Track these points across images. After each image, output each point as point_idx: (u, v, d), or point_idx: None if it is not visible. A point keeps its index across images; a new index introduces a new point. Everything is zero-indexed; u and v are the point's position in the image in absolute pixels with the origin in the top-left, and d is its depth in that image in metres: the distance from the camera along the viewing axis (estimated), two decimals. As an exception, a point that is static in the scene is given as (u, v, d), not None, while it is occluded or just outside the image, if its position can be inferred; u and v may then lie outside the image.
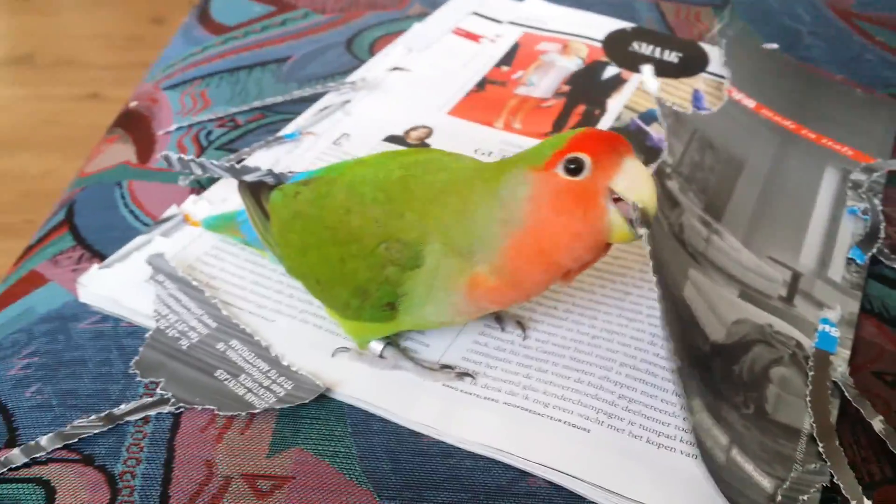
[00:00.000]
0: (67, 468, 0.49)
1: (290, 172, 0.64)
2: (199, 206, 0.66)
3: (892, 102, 0.85)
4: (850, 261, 0.65)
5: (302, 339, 0.56)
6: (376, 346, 0.55)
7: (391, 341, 0.55)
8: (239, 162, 0.69)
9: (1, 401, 0.54)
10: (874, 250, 0.66)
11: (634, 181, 0.46)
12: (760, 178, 0.72)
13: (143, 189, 0.71)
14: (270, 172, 0.65)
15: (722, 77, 0.85)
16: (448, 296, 0.50)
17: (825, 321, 0.59)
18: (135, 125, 0.82)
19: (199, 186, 0.70)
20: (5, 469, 0.49)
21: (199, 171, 0.67)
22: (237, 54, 0.90)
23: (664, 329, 0.48)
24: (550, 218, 0.47)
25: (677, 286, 0.56)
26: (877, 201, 0.71)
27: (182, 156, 0.66)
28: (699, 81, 0.85)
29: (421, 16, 0.96)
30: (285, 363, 0.54)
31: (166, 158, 0.68)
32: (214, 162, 0.65)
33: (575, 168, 0.46)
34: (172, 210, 0.65)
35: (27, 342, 0.57)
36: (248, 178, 0.61)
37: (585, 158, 0.46)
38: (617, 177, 0.46)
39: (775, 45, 0.94)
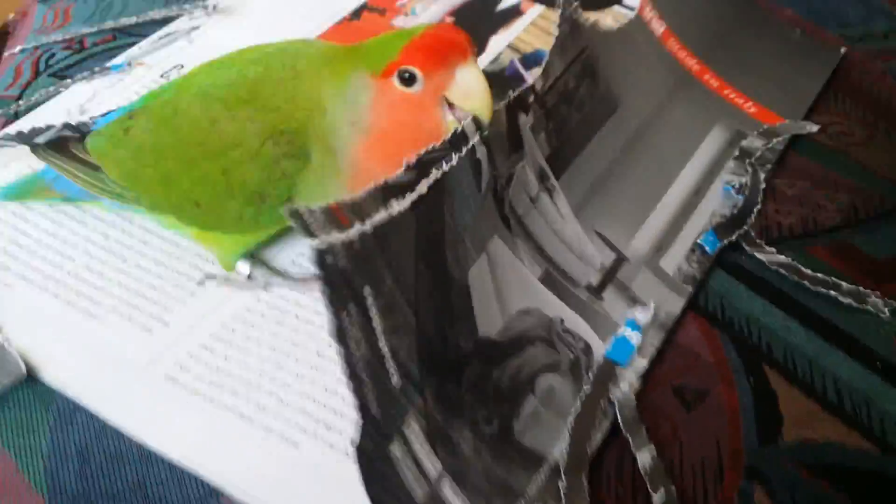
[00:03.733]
0: None
1: (91, 119, 0.58)
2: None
3: (833, 49, 0.73)
4: (696, 247, 0.57)
5: (36, 308, 0.52)
6: (243, 267, 0.53)
7: (256, 260, 0.54)
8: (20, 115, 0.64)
9: None
10: (734, 236, 0.58)
11: (467, 91, 0.48)
12: (631, 127, 0.63)
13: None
14: (66, 126, 0.58)
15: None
16: (336, 186, 0.49)
17: (630, 323, 0.52)
18: (-2, 42, 0.77)
19: (14, 117, 0.65)
20: None
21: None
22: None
23: (389, 335, 0.42)
24: (391, 125, 0.48)
25: (462, 264, 0.49)
26: (763, 175, 0.62)
27: None
28: (608, 16, 0.75)
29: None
30: (1, 337, 0.49)
31: None
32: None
33: (409, 79, 0.47)
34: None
35: None
36: (41, 138, 0.55)
37: (416, 72, 0.47)
38: (450, 87, 0.48)
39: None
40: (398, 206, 0.44)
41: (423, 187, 0.45)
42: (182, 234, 0.54)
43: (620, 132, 0.62)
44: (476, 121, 0.49)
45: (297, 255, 0.55)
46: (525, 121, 0.56)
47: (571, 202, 0.57)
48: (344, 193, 0.47)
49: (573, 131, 0.60)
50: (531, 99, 0.57)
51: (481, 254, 0.50)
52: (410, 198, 0.45)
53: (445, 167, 0.47)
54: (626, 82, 0.65)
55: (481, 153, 0.50)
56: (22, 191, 0.58)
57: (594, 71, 0.63)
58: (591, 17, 0.71)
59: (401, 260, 0.44)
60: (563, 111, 0.60)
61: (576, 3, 0.63)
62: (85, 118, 0.60)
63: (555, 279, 0.53)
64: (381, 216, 0.42)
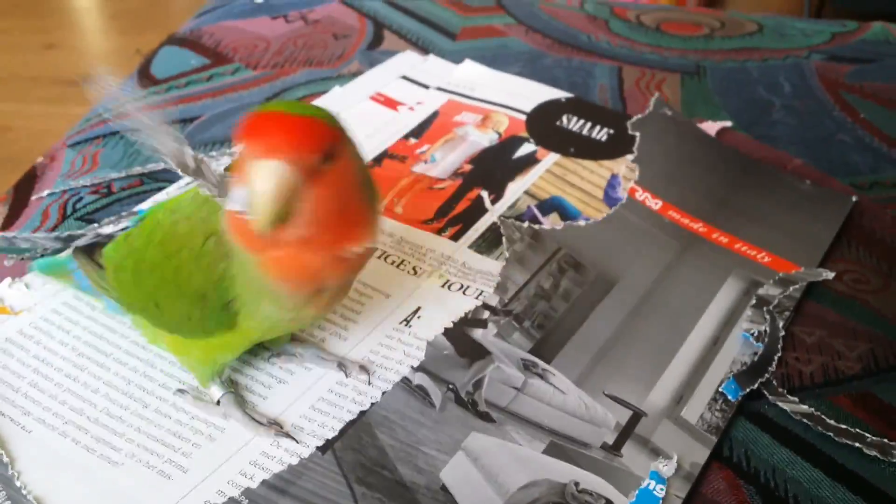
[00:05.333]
0: None
1: (123, 229, 0.60)
2: (14, 290, 0.62)
3: (844, 198, 0.75)
4: (719, 396, 0.57)
5: (54, 453, 0.51)
6: (215, 391, 0.54)
7: (230, 389, 0.55)
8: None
9: None
10: (756, 384, 0.57)
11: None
12: (634, 297, 0.64)
13: (-10, 261, 0.67)
14: (98, 235, 0.61)
15: (647, 160, 0.77)
16: (261, 283, 0.48)
17: (654, 475, 0.51)
18: (25, 185, 0.79)
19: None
20: None
21: (25, 245, 0.64)
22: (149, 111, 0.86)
23: None
24: None
25: (428, 470, 0.51)
26: (781, 322, 0.62)
27: (6, 234, 0.63)
28: (622, 165, 0.77)
29: (356, 75, 0.91)
30: (18, 483, 0.49)
31: None
32: (42, 234, 0.63)
33: None
34: (-21, 294, 0.62)
35: None
36: (81, 242, 0.59)
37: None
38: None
39: (728, 123, 0.85)
40: (302, 451, 0.51)
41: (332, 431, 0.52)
42: (160, 346, 0.56)
43: (622, 303, 0.64)
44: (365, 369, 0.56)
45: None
46: (485, 333, 0.60)
47: (572, 376, 0.58)
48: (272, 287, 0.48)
49: (561, 319, 0.62)
50: (486, 315, 0.61)
51: (455, 453, 0.52)
52: (314, 443, 0.51)
53: (363, 407, 0.54)
54: (623, 259, 0.67)
55: (420, 379, 0.55)
56: (50, 268, 0.62)
57: (577, 263, 0.66)
58: (604, 166, 0.74)
59: (328, 491, 0.49)
60: (540, 308, 0.63)
61: (527, 223, 0.69)
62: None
63: (563, 448, 0.53)
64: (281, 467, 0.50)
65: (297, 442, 0.52)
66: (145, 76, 0.94)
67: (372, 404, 0.54)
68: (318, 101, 0.85)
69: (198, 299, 0.50)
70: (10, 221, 0.72)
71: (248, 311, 0.50)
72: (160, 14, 2.45)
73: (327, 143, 0.43)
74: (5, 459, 0.50)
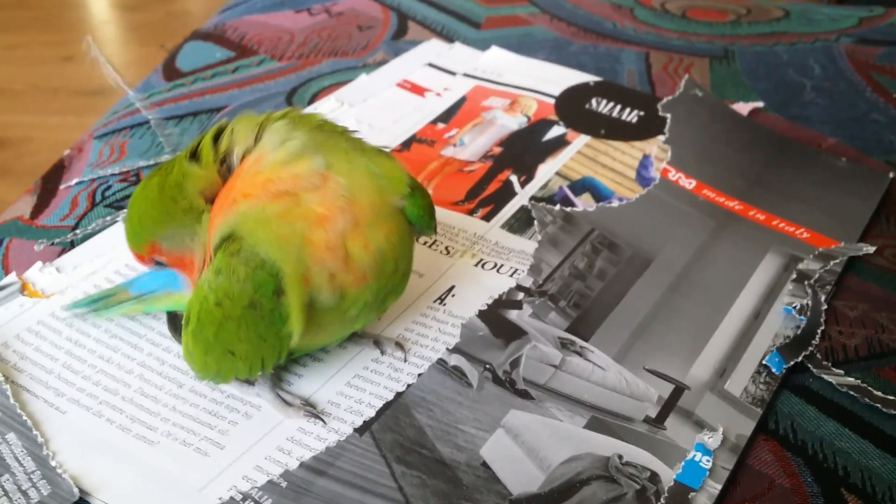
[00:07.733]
0: None
1: None
2: (44, 274, 0.61)
3: (881, 174, 0.73)
4: (762, 369, 0.55)
5: (89, 434, 0.51)
6: None
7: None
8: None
9: None
10: (800, 357, 0.56)
11: None
12: (671, 274, 0.63)
13: (21, 249, 0.67)
14: None
15: (679, 140, 0.76)
16: None
17: (699, 447, 0.50)
18: (53, 176, 0.79)
19: (70, 246, 0.66)
20: None
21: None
22: (175, 103, 0.86)
23: None
24: None
25: (467, 447, 0.50)
26: (823, 296, 0.61)
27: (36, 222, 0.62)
28: (653, 145, 0.76)
29: (381, 64, 0.91)
30: (53, 463, 0.48)
31: None
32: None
33: None
34: (9, 278, 0.61)
35: None
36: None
37: None
38: None
39: (760, 104, 0.84)
40: (339, 427, 0.50)
41: (369, 412, 0.52)
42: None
43: (659, 280, 0.63)
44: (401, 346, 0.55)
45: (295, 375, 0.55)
46: (520, 314, 0.59)
47: (611, 353, 0.57)
48: None
49: (597, 298, 0.61)
50: (520, 297, 0.60)
51: (494, 431, 0.51)
52: (351, 421, 0.51)
53: (399, 388, 0.53)
54: (658, 238, 0.66)
55: (456, 360, 0.55)
56: (100, 304, 0.58)
57: (611, 243, 0.65)
58: (636, 147, 0.73)
59: (366, 471, 0.48)
60: (575, 287, 0.62)
61: (559, 205, 0.69)
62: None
63: (604, 422, 0.52)
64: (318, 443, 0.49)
65: (325, 424, 0.51)
66: (171, 70, 0.94)
67: (408, 386, 0.53)
68: (345, 90, 0.85)
69: (252, 312, 0.47)
70: (38, 210, 0.72)
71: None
72: (178, 25, 2.46)
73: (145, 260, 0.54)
74: (40, 440, 0.50)
